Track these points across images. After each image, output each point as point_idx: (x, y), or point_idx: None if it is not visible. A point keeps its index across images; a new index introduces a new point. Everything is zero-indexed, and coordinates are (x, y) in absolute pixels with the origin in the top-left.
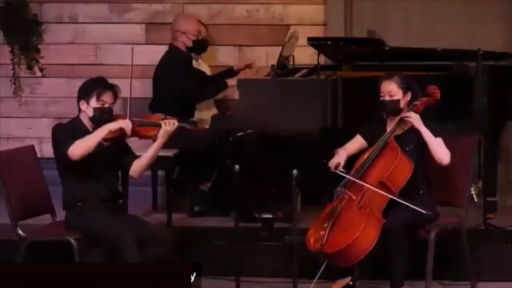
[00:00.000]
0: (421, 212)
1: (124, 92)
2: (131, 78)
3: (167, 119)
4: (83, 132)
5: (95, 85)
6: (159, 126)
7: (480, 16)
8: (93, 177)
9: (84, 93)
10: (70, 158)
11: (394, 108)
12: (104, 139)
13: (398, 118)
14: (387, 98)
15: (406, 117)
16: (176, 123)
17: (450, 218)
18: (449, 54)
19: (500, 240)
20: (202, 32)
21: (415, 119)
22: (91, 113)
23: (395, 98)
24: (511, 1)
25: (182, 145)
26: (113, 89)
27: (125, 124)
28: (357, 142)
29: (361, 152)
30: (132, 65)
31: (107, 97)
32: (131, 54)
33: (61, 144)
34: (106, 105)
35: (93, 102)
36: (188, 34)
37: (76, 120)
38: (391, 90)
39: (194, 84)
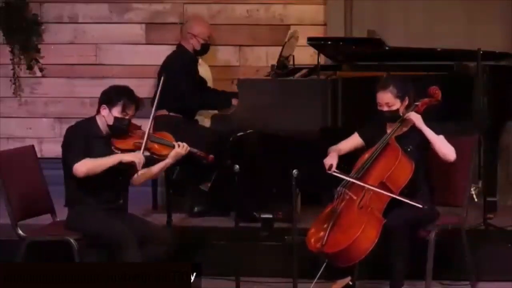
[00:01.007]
0: (419, 207)
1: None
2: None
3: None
4: (98, 137)
5: (122, 95)
6: (172, 147)
7: (480, 16)
8: (97, 179)
9: (109, 99)
10: (73, 173)
11: (393, 118)
12: (116, 148)
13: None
14: (385, 108)
15: (407, 116)
16: (188, 148)
17: (450, 218)
18: (449, 54)
19: (500, 240)
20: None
21: (416, 119)
22: (110, 122)
23: (393, 108)
24: (511, 1)
25: None
26: (138, 103)
27: (138, 159)
28: (352, 141)
29: (360, 151)
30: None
31: (131, 110)
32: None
33: (70, 154)
34: (127, 117)
35: (116, 111)
36: (199, 38)
37: (91, 122)
38: (389, 101)
39: (196, 88)
